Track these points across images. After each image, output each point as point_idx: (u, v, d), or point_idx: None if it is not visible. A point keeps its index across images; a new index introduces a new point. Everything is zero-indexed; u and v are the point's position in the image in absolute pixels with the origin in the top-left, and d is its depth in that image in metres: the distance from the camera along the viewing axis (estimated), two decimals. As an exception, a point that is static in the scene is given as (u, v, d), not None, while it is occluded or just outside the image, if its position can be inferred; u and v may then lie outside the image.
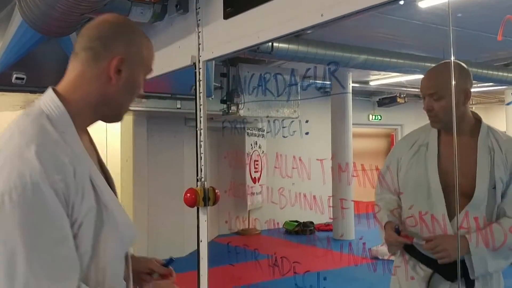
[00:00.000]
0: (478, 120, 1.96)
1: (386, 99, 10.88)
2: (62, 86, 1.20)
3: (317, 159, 2.03)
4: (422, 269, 1.88)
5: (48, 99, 1.15)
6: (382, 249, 2.33)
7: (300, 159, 1.99)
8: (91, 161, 1.17)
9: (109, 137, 6.90)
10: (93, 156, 1.24)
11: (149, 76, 1.29)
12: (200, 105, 2.56)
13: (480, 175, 1.82)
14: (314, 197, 1.96)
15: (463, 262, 1.77)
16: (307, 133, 2.02)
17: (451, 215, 1.81)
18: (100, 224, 1.10)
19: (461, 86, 1.86)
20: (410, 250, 1.92)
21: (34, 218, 0.99)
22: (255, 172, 8.45)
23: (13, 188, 0.98)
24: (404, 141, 2.10)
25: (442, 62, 1.92)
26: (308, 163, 2.05)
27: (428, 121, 1.98)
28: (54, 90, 1.18)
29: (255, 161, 8.43)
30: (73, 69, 1.21)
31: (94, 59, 1.18)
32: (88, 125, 1.25)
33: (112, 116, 1.28)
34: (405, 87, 9.58)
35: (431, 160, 1.90)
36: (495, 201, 1.84)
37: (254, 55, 5.37)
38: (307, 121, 2.01)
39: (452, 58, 2.72)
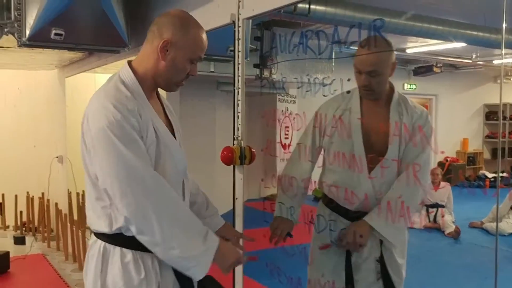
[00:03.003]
0: (391, 89, 2.19)
1: (422, 68, 10.57)
2: (135, 60, 1.64)
3: (358, 118, 1.99)
4: (343, 222, 2.19)
5: (124, 70, 1.61)
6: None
7: (340, 118, 1.96)
8: (153, 111, 1.61)
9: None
10: (159, 111, 1.68)
11: (197, 62, 1.64)
12: (239, 64, 2.55)
13: (392, 136, 2.08)
14: (353, 155, 1.94)
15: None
16: (348, 92, 1.99)
17: (370, 170, 2.08)
18: (159, 153, 1.58)
19: (391, 61, 2.10)
20: (333, 206, 2.22)
21: (122, 133, 1.49)
22: (285, 138, 8.41)
23: (107, 124, 1.48)
24: (326, 107, 2.22)
25: (372, 37, 2.03)
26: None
27: (343, 91, 2.19)
28: (129, 63, 1.63)
29: (285, 127, 8.38)
30: (143, 47, 1.63)
31: (152, 40, 1.60)
32: (152, 90, 1.67)
33: (164, 86, 1.67)
34: (442, 55, 9.30)
35: (355, 122, 2.09)
36: None
37: (291, 18, 5.27)
38: (349, 80, 1.98)
39: (504, 25, 2.63)
